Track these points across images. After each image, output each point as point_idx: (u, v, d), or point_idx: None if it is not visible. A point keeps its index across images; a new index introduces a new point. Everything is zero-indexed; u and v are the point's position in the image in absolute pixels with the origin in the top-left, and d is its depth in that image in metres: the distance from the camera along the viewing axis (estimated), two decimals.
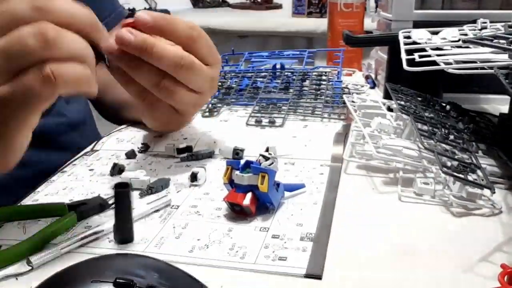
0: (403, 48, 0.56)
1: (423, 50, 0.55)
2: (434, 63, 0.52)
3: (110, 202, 0.46)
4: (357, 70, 0.98)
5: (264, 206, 0.46)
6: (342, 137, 0.61)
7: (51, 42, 0.36)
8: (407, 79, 0.67)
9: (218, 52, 0.54)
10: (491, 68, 0.52)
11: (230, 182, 0.46)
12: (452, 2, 0.75)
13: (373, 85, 0.87)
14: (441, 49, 0.56)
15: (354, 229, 0.44)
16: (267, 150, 0.47)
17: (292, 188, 0.49)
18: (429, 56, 0.53)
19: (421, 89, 0.66)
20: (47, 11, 0.37)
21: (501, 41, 0.49)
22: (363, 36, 0.76)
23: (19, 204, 0.48)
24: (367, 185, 0.51)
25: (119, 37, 0.46)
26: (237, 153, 0.58)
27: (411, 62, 0.53)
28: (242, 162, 0.45)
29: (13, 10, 0.37)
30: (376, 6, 0.87)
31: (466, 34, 0.58)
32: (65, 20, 0.38)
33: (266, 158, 0.45)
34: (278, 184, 0.46)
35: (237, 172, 0.45)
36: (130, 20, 0.48)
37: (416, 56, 0.54)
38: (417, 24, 0.72)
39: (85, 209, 0.45)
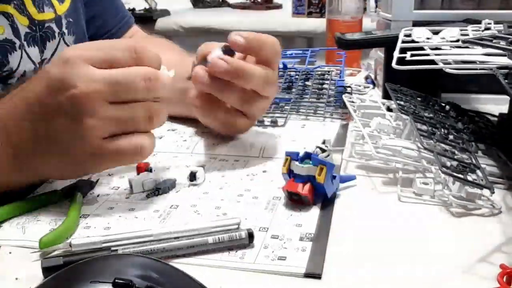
0: (399, 46, 0.56)
1: (422, 49, 0.55)
2: (426, 62, 0.52)
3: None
4: (363, 70, 0.98)
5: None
6: (341, 137, 0.61)
7: (152, 87, 0.44)
8: (405, 79, 0.67)
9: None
10: (490, 68, 0.52)
11: (289, 172, 0.47)
12: (451, 2, 0.75)
13: (373, 85, 0.87)
14: (439, 48, 0.56)
15: (353, 229, 0.44)
16: (323, 142, 0.48)
17: (344, 179, 0.50)
18: (423, 55, 0.53)
19: (419, 89, 0.66)
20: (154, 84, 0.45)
21: (501, 42, 0.49)
22: (354, 38, 0.74)
23: (11, 203, 0.47)
24: (367, 185, 0.51)
25: (212, 65, 0.53)
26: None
27: (402, 61, 0.53)
28: (301, 153, 0.47)
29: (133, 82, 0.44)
30: (376, 6, 0.87)
31: (467, 35, 0.58)
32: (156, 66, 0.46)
33: (323, 150, 0.47)
34: (334, 177, 0.47)
35: (297, 162, 0.47)
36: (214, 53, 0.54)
37: (408, 54, 0.53)
38: (417, 24, 0.72)
39: (79, 190, 0.49)
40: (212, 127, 0.62)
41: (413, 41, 0.58)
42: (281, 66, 0.87)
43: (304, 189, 0.46)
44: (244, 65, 0.53)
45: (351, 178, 0.51)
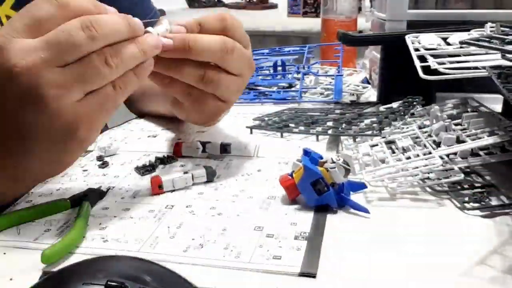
0: (414, 54, 0.56)
1: (436, 56, 0.55)
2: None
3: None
4: (361, 72, 0.97)
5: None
6: (335, 140, 0.61)
7: (96, 35, 0.40)
8: (401, 79, 0.67)
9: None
10: (483, 68, 0.52)
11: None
12: (445, 2, 0.75)
13: (368, 84, 0.87)
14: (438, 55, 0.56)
15: (348, 228, 0.44)
16: (341, 157, 0.47)
17: (355, 207, 0.46)
18: (456, 62, 0.53)
19: (414, 89, 0.67)
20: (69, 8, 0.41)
21: (498, 41, 0.49)
22: (359, 35, 0.76)
23: (18, 209, 0.47)
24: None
25: (156, 45, 0.46)
26: (225, 148, 0.58)
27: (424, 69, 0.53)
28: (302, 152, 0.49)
29: (70, 33, 0.40)
30: (371, 6, 0.87)
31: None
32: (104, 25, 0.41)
33: (333, 162, 0.46)
34: (324, 190, 0.45)
35: (297, 158, 0.48)
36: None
37: (430, 62, 0.53)
38: (412, 24, 0.72)
39: (88, 200, 0.47)
40: (183, 113, 0.57)
41: (427, 49, 0.58)
42: (279, 63, 0.88)
43: (286, 182, 0.47)
44: (195, 36, 0.48)
45: (362, 209, 0.46)
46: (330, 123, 0.65)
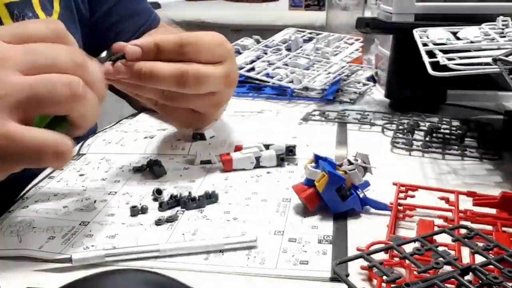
0: (422, 49, 0.54)
1: (445, 52, 0.53)
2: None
3: None
4: (370, 69, 0.94)
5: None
6: (344, 138, 0.60)
7: (77, 98, 0.37)
8: (411, 76, 0.65)
9: (227, 42, 0.52)
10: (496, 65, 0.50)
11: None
12: None
13: (373, 82, 0.85)
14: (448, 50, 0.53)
15: (370, 228, 0.42)
16: (358, 157, 0.45)
17: (375, 205, 0.45)
18: (466, 58, 0.51)
19: (425, 86, 0.65)
20: (83, 69, 0.38)
21: None
22: (391, 21, 0.70)
23: None
24: (379, 182, 0.49)
25: (113, 72, 0.46)
26: (282, 158, 0.54)
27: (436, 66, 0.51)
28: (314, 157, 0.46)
29: (55, 56, 0.38)
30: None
31: (488, 34, 0.56)
32: (91, 81, 0.39)
33: (350, 163, 0.44)
34: (351, 194, 0.44)
35: (311, 164, 0.45)
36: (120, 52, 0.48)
37: (440, 58, 0.51)
38: (419, 18, 0.69)
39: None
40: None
41: (436, 44, 0.55)
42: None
43: (304, 193, 0.44)
44: (151, 66, 0.47)
45: (382, 207, 0.45)
46: None
